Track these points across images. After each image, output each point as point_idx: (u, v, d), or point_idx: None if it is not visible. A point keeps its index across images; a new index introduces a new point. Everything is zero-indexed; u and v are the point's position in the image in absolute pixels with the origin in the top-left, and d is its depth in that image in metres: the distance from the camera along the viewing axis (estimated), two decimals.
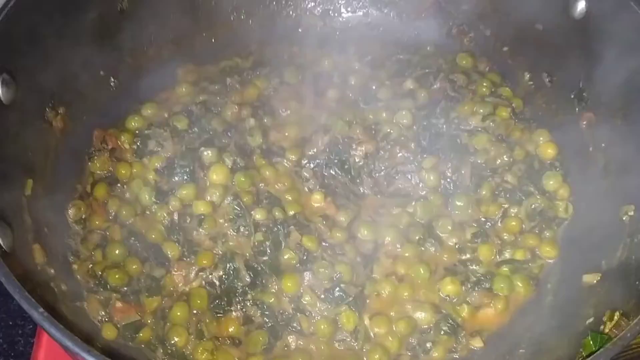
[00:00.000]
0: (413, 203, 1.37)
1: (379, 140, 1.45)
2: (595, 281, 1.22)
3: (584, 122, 1.41)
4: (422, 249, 1.33)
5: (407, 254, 1.32)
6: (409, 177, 1.41)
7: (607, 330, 1.05)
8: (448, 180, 1.40)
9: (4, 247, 1.01)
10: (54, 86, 1.31)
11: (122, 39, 1.46)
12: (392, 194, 1.41)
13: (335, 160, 1.42)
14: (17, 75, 1.18)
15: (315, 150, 1.44)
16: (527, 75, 1.55)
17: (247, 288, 1.24)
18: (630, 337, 0.89)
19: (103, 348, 0.86)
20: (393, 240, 1.33)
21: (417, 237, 1.34)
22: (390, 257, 1.32)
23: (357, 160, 1.43)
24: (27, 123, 1.24)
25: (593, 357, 0.88)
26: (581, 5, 1.36)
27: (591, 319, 1.13)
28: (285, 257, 1.28)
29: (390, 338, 1.23)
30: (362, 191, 1.40)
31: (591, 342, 1.04)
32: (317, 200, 1.37)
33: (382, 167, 1.42)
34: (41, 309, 0.87)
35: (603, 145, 1.36)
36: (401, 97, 1.53)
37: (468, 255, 1.33)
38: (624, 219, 1.24)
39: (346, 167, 1.42)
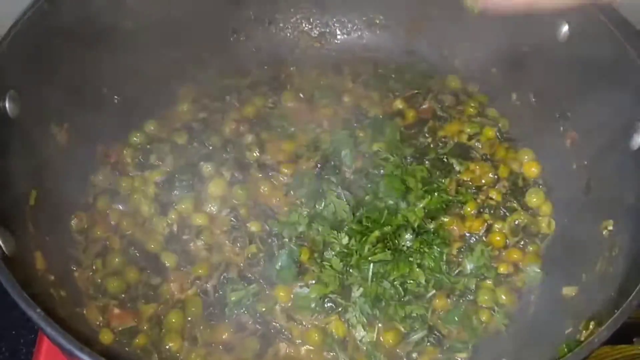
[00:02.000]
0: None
1: (369, 157, 1.49)
2: (573, 294, 1.26)
3: (568, 141, 1.45)
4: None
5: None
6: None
7: (582, 339, 1.09)
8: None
9: (5, 251, 1.04)
10: (58, 102, 1.34)
11: (125, 58, 1.49)
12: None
13: (326, 177, 1.45)
14: (23, 92, 1.22)
15: (307, 165, 1.48)
16: (514, 95, 1.59)
17: (240, 297, 1.28)
18: (597, 342, 0.92)
19: (101, 351, 0.89)
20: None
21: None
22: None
23: (346, 175, 1.47)
24: (33, 136, 1.28)
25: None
26: (564, 29, 1.40)
27: (570, 329, 1.16)
28: (278, 268, 1.31)
29: (377, 349, 1.26)
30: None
31: (565, 349, 1.07)
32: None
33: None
34: (39, 309, 0.90)
35: (586, 162, 1.40)
36: (390, 116, 1.58)
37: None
38: (603, 233, 1.27)
39: (335, 182, 1.44)
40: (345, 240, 1.33)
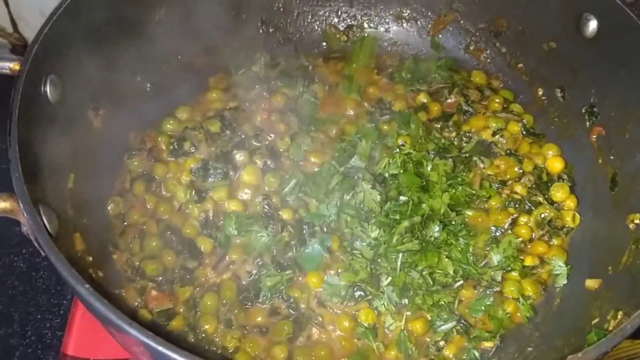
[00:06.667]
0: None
1: (393, 149, 1.51)
2: (597, 286, 1.28)
3: (594, 136, 1.47)
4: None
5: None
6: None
7: (610, 328, 1.11)
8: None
9: (50, 231, 1.06)
10: (95, 89, 1.37)
11: (157, 47, 1.51)
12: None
13: (352, 168, 1.46)
14: (63, 77, 1.25)
15: (334, 156, 1.49)
16: (540, 91, 1.61)
17: (275, 282, 1.30)
18: (630, 328, 0.94)
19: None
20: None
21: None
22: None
23: (372, 168, 1.48)
24: (71, 122, 1.30)
25: (595, 346, 0.93)
26: (593, 25, 1.42)
27: (597, 320, 1.19)
28: (310, 254, 1.34)
29: (406, 336, 1.28)
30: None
31: (595, 337, 1.09)
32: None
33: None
34: (87, 285, 0.92)
35: (612, 157, 1.42)
36: (415, 109, 1.60)
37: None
38: (629, 226, 1.29)
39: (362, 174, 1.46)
40: (374, 233, 1.35)
